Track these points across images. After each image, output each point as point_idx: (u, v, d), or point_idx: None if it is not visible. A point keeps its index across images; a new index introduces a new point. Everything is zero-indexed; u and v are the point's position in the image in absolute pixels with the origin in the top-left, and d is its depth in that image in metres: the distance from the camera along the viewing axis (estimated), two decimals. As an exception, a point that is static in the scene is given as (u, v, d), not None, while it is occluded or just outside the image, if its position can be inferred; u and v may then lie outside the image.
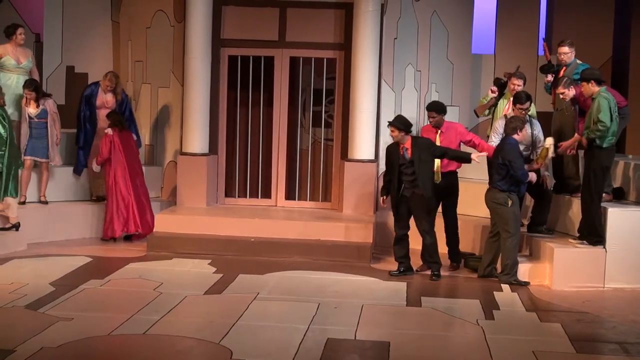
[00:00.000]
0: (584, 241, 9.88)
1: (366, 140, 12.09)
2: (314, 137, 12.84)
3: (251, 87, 12.69)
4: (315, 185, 12.82)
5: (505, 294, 9.43)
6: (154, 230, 11.46)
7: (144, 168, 12.67)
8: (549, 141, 10.10)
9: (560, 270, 9.74)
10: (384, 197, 10.31)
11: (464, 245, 10.87)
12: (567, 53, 10.56)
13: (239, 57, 12.63)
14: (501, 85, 10.98)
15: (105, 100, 12.04)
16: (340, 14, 12.33)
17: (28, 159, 11.52)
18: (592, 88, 9.68)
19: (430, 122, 10.54)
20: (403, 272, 10.20)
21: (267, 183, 12.79)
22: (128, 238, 11.78)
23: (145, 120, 13.08)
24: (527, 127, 10.18)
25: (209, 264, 10.46)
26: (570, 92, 10.10)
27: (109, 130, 11.73)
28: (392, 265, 10.45)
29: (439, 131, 10.42)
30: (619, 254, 9.78)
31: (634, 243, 9.81)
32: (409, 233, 10.22)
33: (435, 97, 12.31)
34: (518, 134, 9.90)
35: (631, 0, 13.51)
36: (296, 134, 12.76)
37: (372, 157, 12.17)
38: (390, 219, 10.52)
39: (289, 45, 12.47)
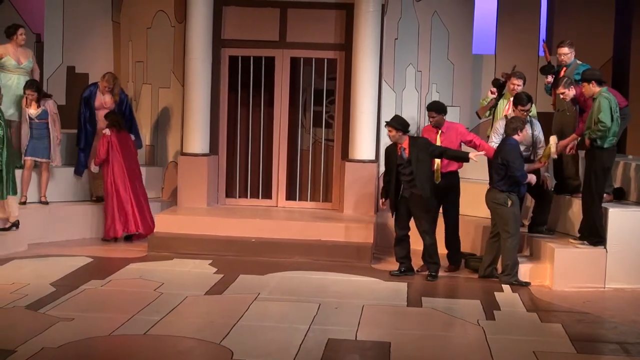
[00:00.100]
0: (585, 241, 9.88)
1: (367, 141, 12.09)
2: (315, 137, 12.85)
3: (252, 87, 12.70)
4: (316, 185, 12.82)
5: (506, 295, 9.44)
6: (154, 230, 11.47)
7: (144, 168, 12.70)
8: (553, 140, 10.12)
9: (560, 270, 9.75)
10: (384, 199, 10.32)
11: (465, 246, 10.87)
12: (567, 54, 10.56)
13: (240, 58, 12.63)
14: (500, 86, 11.00)
15: (104, 101, 12.05)
16: (341, 14, 12.34)
17: (28, 160, 11.53)
18: (592, 88, 9.68)
19: (430, 122, 10.56)
20: (404, 273, 10.21)
21: (267, 183, 12.80)
22: (128, 238, 11.79)
23: (145, 120, 13.09)
24: (528, 127, 10.19)
25: (209, 264, 10.46)
26: (571, 92, 10.10)
27: (107, 131, 11.74)
28: (392, 265, 10.46)
29: (440, 131, 10.42)
30: (619, 254, 9.78)
31: (635, 243, 9.81)
32: (409, 234, 10.22)
33: (435, 97, 12.31)
34: (518, 135, 9.91)
35: (632, 1, 13.51)
36: (297, 134, 12.77)
37: (372, 157, 12.18)
38: (391, 220, 10.52)
39: (290, 46, 12.48)
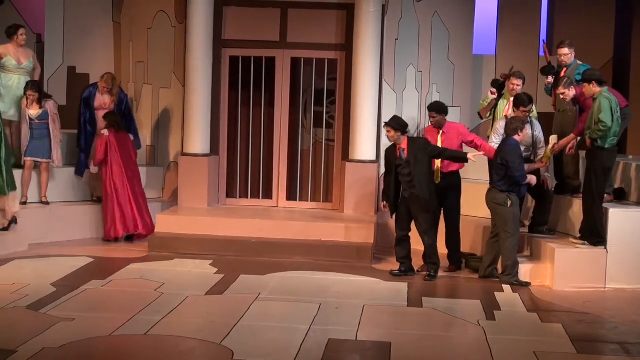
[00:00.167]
0: (585, 242, 9.89)
1: (367, 141, 12.10)
2: (315, 137, 12.86)
3: (252, 87, 12.72)
4: (317, 185, 12.83)
5: (506, 295, 9.44)
6: (155, 230, 11.48)
7: (145, 169, 12.72)
8: (553, 139, 10.14)
9: (561, 270, 9.75)
10: (385, 202, 10.33)
11: (465, 246, 10.87)
12: (567, 54, 10.57)
13: (240, 58, 12.65)
14: (499, 86, 11.02)
15: (103, 101, 12.06)
16: (342, 14, 12.35)
17: (28, 160, 11.55)
18: (593, 89, 9.68)
19: (430, 122, 10.57)
20: (404, 272, 10.21)
21: (268, 183, 12.81)
22: (129, 238, 11.80)
23: (146, 121, 13.11)
24: (528, 127, 10.20)
25: (210, 264, 10.47)
26: (571, 93, 10.11)
27: (105, 132, 11.76)
28: (393, 265, 10.47)
29: (441, 132, 10.44)
30: (619, 254, 9.78)
31: (635, 244, 9.82)
32: (410, 234, 10.23)
33: (436, 97, 12.31)
34: (519, 135, 9.91)
35: (632, 1, 13.52)
36: (297, 134, 12.78)
37: (373, 157, 12.18)
38: (392, 220, 10.53)
39: (290, 46, 12.49)
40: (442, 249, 10.52)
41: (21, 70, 11.84)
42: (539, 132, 10.48)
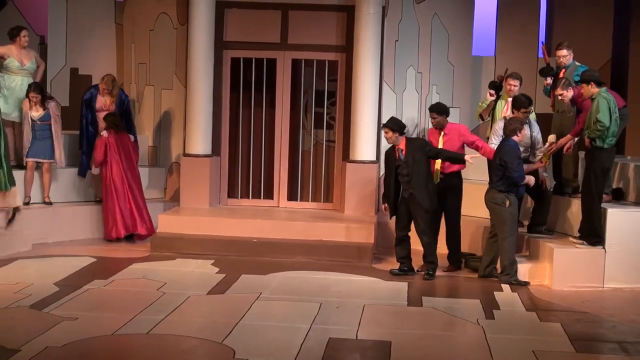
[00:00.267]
0: (584, 241, 9.93)
1: (367, 142, 12.14)
2: (316, 138, 12.90)
3: (253, 88, 12.75)
4: (317, 186, 12.87)
5: (505, 294, 9.48)
6: (157, 230, 11.52)
7: (147, 169, 12.77)
8: (552, 139, 10.19)
9: (559, 270, 9.79)
10: (385, 204, 10.38)
11: (465, 246, 10.91)
12: (565, 56, 10.63)
13: (242, 59, 12.68)
14: (496, 87, 11.08)
15: (104, 103, 12.10)
16: (342, 16, 12.38)
17: (30, 161, 11.60)
18: (592, 89, 9.72)
19: (432, 123, 10.63)
20: (404, 272, 10.26)
21: (269, 184, 12.85)
22: (129, 238, 11.83)
23: (148, 121, 13.16)
24: (527, 128, 10.25)
25: (212, 264, 10.51)
26: (569, 94, 10.16)
27: (104, 133, 11.81)
28: (393, 265, 10.49)
29: (442, 133, 10.49)
30: (618, 254, 9.82)
31: (633, 243, 9.85)
32: (410, 234, 10.28)
33: (436, 98, 12.36)
34: (517, 136, 9.96)
35: (630, 3, 13.56)
36: (298, 135, 12.82)
37: (373, 158, 12.23)
38: (392, 220, 10.58)
39: (291, 48, 12.53)
40: (443, 248, 10.58)
41: (24, 71, 11.89)
42: (537, 132, 10.53)
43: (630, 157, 11.41)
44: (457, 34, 12.88)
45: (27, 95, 11.59)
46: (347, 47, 12.34)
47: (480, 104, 11.52)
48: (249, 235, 11.29)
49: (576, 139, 10.15)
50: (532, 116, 10.70)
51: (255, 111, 12.83)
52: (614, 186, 10.52)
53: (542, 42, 12.00)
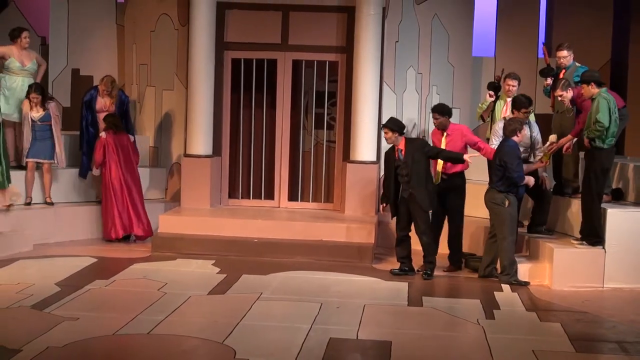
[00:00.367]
0: (583, 241, 9.95)
1: (368, 142, 12.16)
2: (317, 139, 12.92)
3: (254, 89, 12.76)
4: (318, 186, 12.89)
5: (505, 294, 9.49)
6: (158, 231, 11.53)
7: (148, 170, 12.78)
8: (553, 139, 10.21)
9: (559, 270, 9.80)
10: (384, 205, 10.40)
11: (465, 246, 10.90)
12: (565, 57, 10.65)
13: (242, 60, 12.70)
14: (495, 88, 11.11)
15: (104, 104, 12.12)
16: (342, 17, 12.40)
17: (30, 161, 11.62)
18: (592, 90, 9.73)
19: (434, 123, 10.66)
20: (404, 272, 10.28)
21: (270, 184, 12.87)
22: (126, 238, 11.85)
23: (149, 122, 13.18)
24: (526, 128, 10.27)
25: (212, 264, 10.53)
26: (569, 94, 10.18)
27: (103, 134, 11.83)
28: (393, 265, 10.50)
29: (445, 133, 10.51)
30: (617, 254, 9.83)
31: (633, 243, 9.87)
32: (410, 234, 10.30)
33: (436, 99, 12.39)
34: (517, 136, 9.98)
35: (630, 4, 13.58)
36: (299, 136, 12.84)
37: (373, 158, 12.25)
38: (392, 220, 10.60)
39: (292, 49, 12.54)
40: (444, 249, 10.59)
41: (25, 72, 11.91)
42: (537, 133, 10.55)
43: (629, 158, 11.42)
44: (457, 34, 12.90)
45: (27, 96, 11.62)
46: (348, 48, 12.36)
47: (480, 105, 11.55)
48: (249, 235, 11.31)
49: (575, 139, 10.16)
50: (532, 117, 10.72)
51: (256, 112, 12.85)
52: (614, 186, 10.54)
53: (543, 43, 12.01)
